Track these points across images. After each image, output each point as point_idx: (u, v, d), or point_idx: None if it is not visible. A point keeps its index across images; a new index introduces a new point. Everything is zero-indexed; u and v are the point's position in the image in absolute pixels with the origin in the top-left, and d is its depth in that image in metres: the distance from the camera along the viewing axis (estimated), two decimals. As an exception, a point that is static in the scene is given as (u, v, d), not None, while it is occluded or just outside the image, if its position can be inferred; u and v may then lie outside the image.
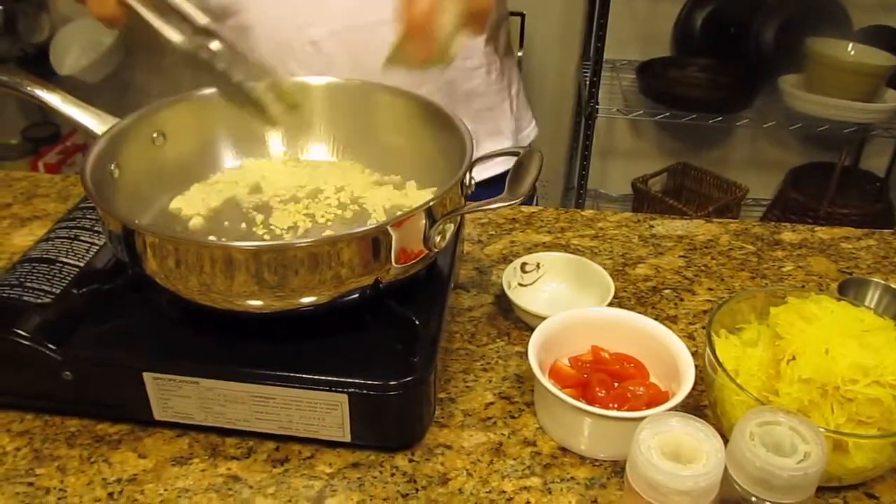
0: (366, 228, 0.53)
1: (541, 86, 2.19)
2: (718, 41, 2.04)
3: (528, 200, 1.03)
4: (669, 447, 0.45)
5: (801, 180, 2.15)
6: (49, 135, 2.28)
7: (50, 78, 2.00)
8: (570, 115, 2.29)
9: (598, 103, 1.92)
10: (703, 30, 2.06)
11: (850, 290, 0.72)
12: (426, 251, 0.56)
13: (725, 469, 0.46)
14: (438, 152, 0.67)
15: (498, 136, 0.99)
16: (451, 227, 0.59)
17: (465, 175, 0.58)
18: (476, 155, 0.61)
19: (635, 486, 0.44)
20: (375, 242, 0.54)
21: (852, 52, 1.85)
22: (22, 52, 2.05)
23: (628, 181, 2.25)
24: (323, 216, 0.66)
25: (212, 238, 0.64)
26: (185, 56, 0.64)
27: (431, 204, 0.54)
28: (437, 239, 0.56)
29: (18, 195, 0.94)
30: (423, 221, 0.55)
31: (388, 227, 0.54)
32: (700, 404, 0.64)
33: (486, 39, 0.96)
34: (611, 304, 0.70)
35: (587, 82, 1.94)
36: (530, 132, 1.07)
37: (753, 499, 0.45)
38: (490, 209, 0.55)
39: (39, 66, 2.02)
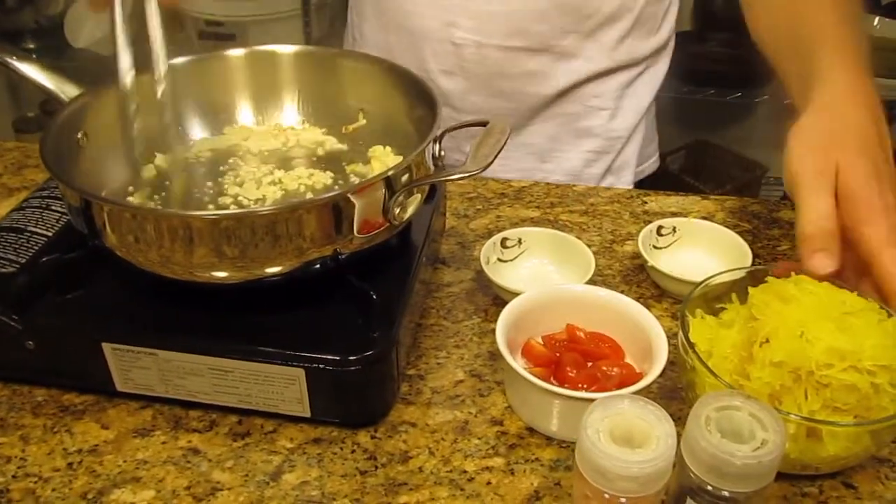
0: (323, 196, 0.52)
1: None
2: (740, 15, 1.97)
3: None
4: (620, 430, 0.43)
5: (823, 159, 2.08)
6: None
7: (65, 50, 2.01)
8: (588, 91, 2.24)
9: (613, 78, 1.88)
10: (726, 4, 2.00)
11: (843, 270, 0.69)
12: (386, 223, 0.55)
13: (682, 455, 0.44)
14: (412, 122, 0.65)
15: (609, 176, 0.99)
16: (415, 199, 0.57)
17: (429, 146, 0.56)
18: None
19: (583, 470, 0.43)
20: (334, 211, 0.52)
21: (878, 27, 1.78)
22: (37, 25, 2.06)
23: (646, 159, 2.20)
24: (294, 188, 0.65)
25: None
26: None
27: (390, 174, 0.52)
28: (398, 210, 0.54)
29: (9, 165, 0.94)
30: (382, 191, 0.53)
31: (348, 195, 0.52)
32: (678, 386, 0.62)
33: (625, 87, 0.93)
34: (594, 282, 0.68)
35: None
36: (647, 168, 1.04)
37: (709, 487, 0.43)
38: (450, 180, 0.54)
39: (54, 38, 2.03)
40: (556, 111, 0.92)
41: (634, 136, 0.98)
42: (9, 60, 0.65)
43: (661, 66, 0.98)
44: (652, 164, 1.04)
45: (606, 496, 0.42)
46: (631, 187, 1.01)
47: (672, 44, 0.99)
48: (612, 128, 0.95)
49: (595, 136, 0.95)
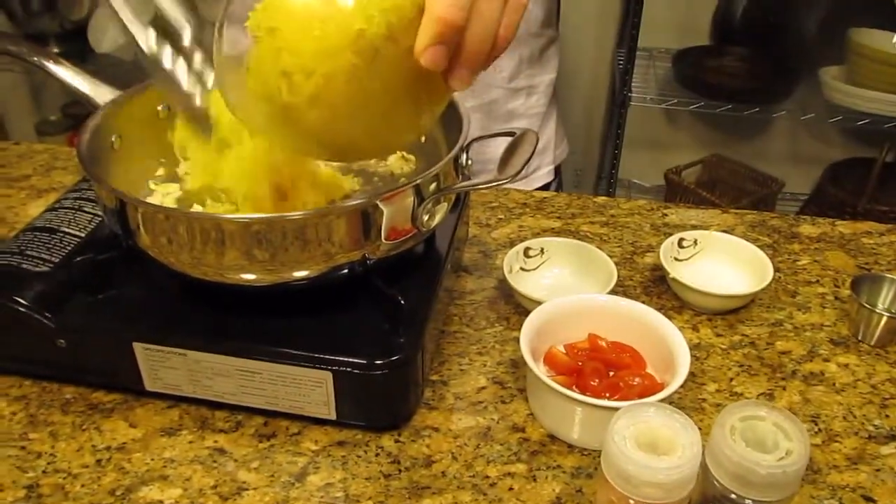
0: (353, 203, 0.53)
1: (576, 72, 2.16)
2: (758, 31, 1.99)
3: (547, 187, 1.03)
4: (646, 438, 0.43)
5: (839, 175, 2.09)
6: (88, 112, 2.32)
7: (88, 55, 2.04)
8: (605, 103, 2.25)
9: (631, 91, 1.89)
10: (743, 18, 2.01)
11: (863, 286, 0.69)
12: (414, 230, 0.55)
13: (706, 464, 0.44)
14: (440, 131, 0.66)
15: (535, 156, 1.01)
16: (442, 207, 0.58)
17: (458, 155, 0.57)
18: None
19: (608, 476, 0.43)
20: (363, 217, 0.53)
21: (897, 44, 1.79)
22: (61, 29, 2.08)
23: (662, 172, 2.21)
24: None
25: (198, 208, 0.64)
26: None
27: (419, 181, 0.53)
28: (426, 217, 0.55)
29: (38, 167, 0.96)
30: (411, 199, 0.54)
31: (377, 202, 0.53)
32: (699, 397, 0.63)
33: (532, 62, 0.96)
34: (615, 293, 0.69)
35: (621, 70, 1.91)
36: (563, 151, 1.07)
37: (733, 495, 0.43)
38: (477, 188, 0.55)
39: (78, 43, 2.06)
40: (480, 100, 0.94)
41: (550, 114, 1.03)
42: (44, 63, 0.66)
43: (558, 41, 1.02)
44: (564, 148, 1.09)
45: (632, 502, 0.43)
46: (551, 168, 1.05)
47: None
48: (531, 105, 0.99)
49: (519, 115, 0.99)
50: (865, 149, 2.12)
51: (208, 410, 0.60)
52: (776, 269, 0.75)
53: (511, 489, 0.55)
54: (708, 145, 2.24)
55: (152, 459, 0.57)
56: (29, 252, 0.62)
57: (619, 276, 0.70)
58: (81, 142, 0.59)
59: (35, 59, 0.66)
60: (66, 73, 0.67)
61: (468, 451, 0.57)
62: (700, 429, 0.57)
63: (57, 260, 0.62)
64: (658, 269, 0.77)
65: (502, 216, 0.85)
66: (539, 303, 0.64)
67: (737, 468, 0.42)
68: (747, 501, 0.43)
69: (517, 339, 0.67)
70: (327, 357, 0.55)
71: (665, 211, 0.87)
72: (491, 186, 0.54)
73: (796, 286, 0.76)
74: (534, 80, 0.98)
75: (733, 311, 0.72)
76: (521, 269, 0.74)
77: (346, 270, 0.56)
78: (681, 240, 0.76)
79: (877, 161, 1.92)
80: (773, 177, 2.12)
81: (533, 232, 0.83)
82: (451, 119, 0.62)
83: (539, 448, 0.58)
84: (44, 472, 0.56)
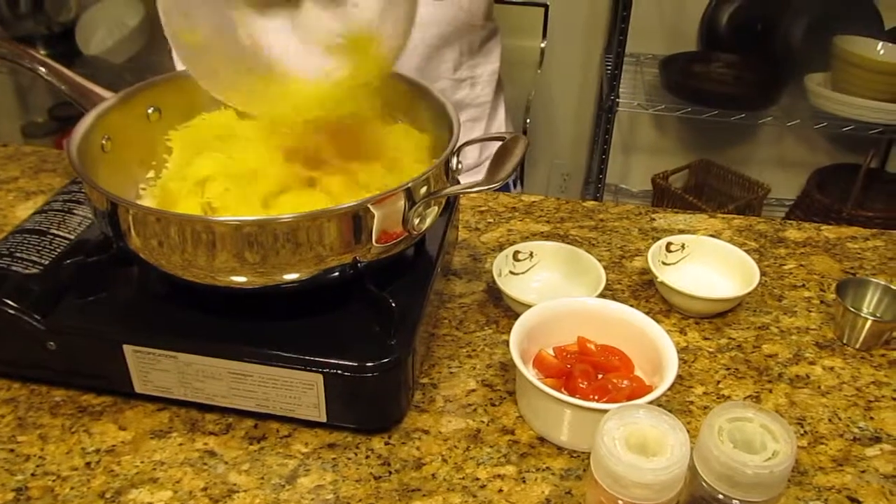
0: (343, 206, 0.53)
1: (564, 78, 2.17)
2: (745, 37, 2.01)
3: (506, 188, 1.05)
4: (635, 439, 0.44)
5: (825, 181, 2.11)
6: (75, 114, 2.30)
7: (76, 57, 2.03)
8: (593, 108, 2.26)
9: (618, 97, 1.90)
10: (730, 25, 2.03)
11: (848, 290, 0.70)
12: (405, 233, 0.56)
13: (694, 465, 0.45)
14: (431, 135, 0.66)
15: (486, 147, 1.04)
16: (433, 211, 0.58)
17: (448, 158, 0.58)
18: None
19: (598, 477, 0.44)
20: (354, 220, 0.53)
21: (882, 52, 1.81)
22: (48, 31, 2.08)
23: (649, 177, 2.22)
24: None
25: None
26: None
27: (410, 185, 0.54)
28: (416, 221, 0.55)
29: (26, 169, 0.95)
30: (402, 202, 0.54)
31: (367, 206, 0.53)
32: (686, 400, 0.63)
33: (472, 53, 0.99)
34: (604, 296, 0.69)
35: (608, 75, 1.92)
36: None
37: (720, 496, 0.44)
38: (467, 192, 0.55)
39: (65, 45, 2.05)
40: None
41: (497, 104, 1.06)
42: (37, 67, 0.66)
43: (499, 33, 1.05)
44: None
45: (620, 503, 0.43)
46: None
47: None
48: (477, 94, 1.03)
49: (466, 105, 1.02)
50: (850, 155, 2.14)
51: (198, 413, 0.61)
52: (762, 273, 0.76)
53: (501, 491, 0.55)
54: (695, 151, 2.26)
55: (142, 462, 0.57)
56: (19, 254, 0.62)
57: (607, 280, 0.71)
58: (72, 144, 0.59)
59: (27, 62, 0.66)
60: (58, 76, 0.67)
61: (458, 454, 0.58)
62: (687, 431, 0.58)
63: (47, 262, 0.62)
64: (646, 272, 0.77)
65: (491, 220, 0.86)
66: (528, 306, 0.64)
67: (724, 468, 0.42)
68: (734, 501, 0.44)
69: (507, 343, 0.67)
70: (318, 359, 0.55)
71: (653, 215, 0.88)
72: (482, 191, 0.54)
73: (782, 290, 0.77)
74: (475, 70, 1.01)
75: (720, 315, 0.73)
76: (511, 272, 0.74)
77: (337, 273, 0.56)
78: (668, 244, 0.76)
79: (861, 167, 1.94)
80: (759, 182, 2.14)
81: (522, 236, 0.83)
82: (441, 123, 0.63)
83: (528, 450, 0.58)
84: (33, 474, 0.56)
